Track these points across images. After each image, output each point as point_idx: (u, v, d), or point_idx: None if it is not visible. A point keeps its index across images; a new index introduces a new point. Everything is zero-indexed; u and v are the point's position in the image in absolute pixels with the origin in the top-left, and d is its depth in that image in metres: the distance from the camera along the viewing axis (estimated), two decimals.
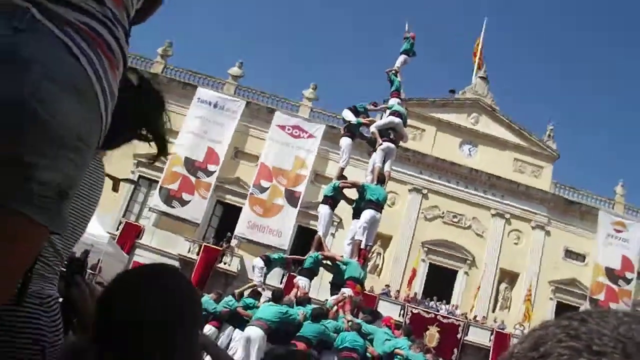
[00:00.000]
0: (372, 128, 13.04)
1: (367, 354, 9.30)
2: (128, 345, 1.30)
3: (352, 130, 13.15)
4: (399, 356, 9.26)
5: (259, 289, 11.51)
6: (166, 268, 1.49)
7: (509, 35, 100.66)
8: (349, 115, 13.13)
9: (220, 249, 27.42)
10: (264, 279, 11.87)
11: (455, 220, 30.97)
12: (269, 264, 11.62)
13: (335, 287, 11.36)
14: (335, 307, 10.52)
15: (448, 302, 28.98)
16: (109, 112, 0.97)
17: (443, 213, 30.93)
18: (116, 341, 1.30)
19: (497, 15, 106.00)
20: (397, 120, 13.10)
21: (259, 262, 11.48)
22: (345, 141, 13.13)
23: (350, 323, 9.74)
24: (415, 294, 28.23)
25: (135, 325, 1.30)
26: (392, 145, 12.94)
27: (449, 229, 30.74)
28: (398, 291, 27.81)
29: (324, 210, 12.23)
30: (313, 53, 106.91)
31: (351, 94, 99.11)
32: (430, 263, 30.30)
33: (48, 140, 0.84)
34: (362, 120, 13.08)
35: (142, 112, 1.55)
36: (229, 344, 9.89)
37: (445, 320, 26.83)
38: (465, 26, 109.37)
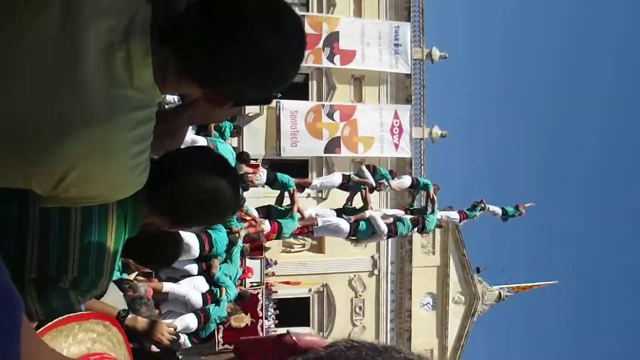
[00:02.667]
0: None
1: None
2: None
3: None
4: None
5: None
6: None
7: None
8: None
9: None
10: None
11: None
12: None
13: (265, 214, 11.67)
14: (246, 222, 10.84)
15: None
16: None
17: None
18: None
19: None
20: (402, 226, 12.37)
21: None
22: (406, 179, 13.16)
23: (237, 236, 10.00)
24: None
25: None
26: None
27: None
28: None
29: (336, 179, 12.34)
30: None
31: None
32: None
33: None
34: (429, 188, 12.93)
35: None
36: None
37: None
38: None
